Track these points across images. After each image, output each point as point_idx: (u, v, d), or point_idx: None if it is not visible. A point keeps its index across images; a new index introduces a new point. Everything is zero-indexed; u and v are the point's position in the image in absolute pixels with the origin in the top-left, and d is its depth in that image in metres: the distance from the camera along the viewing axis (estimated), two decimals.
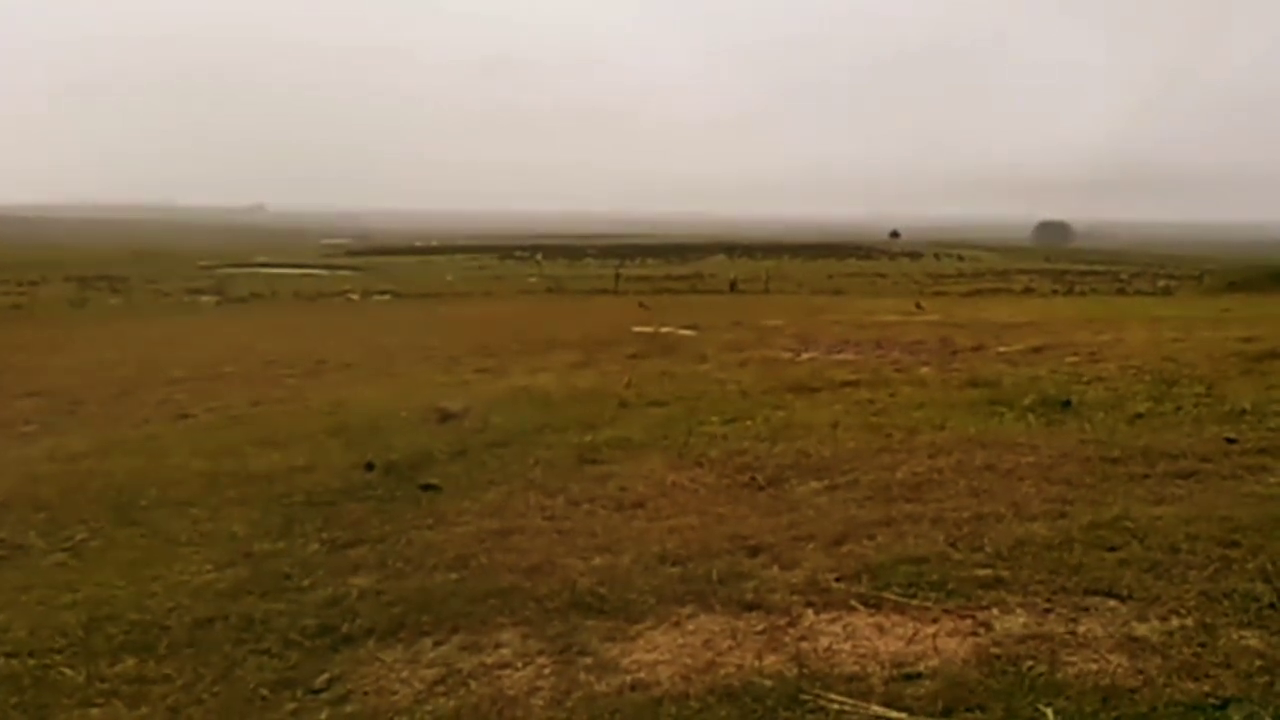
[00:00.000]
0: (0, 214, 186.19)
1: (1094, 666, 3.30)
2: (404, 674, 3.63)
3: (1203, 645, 3.40)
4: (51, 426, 9.45)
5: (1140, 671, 3.24)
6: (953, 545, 4.51)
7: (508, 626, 3.95)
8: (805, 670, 3.40)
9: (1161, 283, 48.27)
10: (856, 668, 3.41)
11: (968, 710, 3.07)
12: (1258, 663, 3.24)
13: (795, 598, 4.03)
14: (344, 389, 10.99)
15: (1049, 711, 2.99)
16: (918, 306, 22.45)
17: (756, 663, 3.49)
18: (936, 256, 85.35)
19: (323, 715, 3.34)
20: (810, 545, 4.64)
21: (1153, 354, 10.38)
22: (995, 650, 3.45)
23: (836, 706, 3.12)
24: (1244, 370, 8.97)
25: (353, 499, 5.97)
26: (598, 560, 4.63)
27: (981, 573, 4.16)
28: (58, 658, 3.89)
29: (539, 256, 79.85)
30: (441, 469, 6.56)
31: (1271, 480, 5.34)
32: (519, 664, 3.63)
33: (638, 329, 16.65)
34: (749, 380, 9.91)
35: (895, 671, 3.36)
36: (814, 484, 5.82)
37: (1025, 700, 3.08)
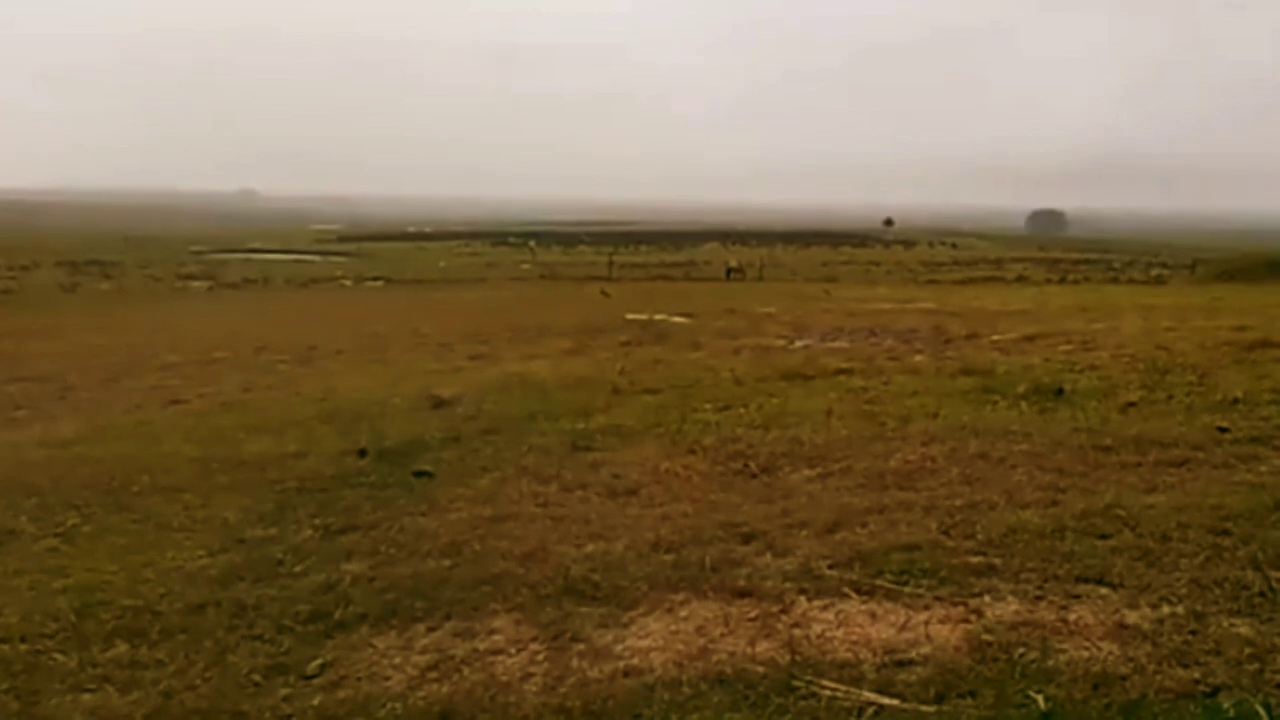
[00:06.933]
0: None
1: (1085, 654, 3.31)
2: (397, 660, 3.62)
3: (1193, 633, 3.42)
4: (42, 412, 9.40)
5: (1131, 659, 3.26)
6: (945, 533, 4.52)
7: (501, 613, 3.95)
8: (798, 657, 3.40)
9: (1154, 272, 48.41)
10: (849, 655, 3.42)
11: (959, 697, 3.08)
12: (1248, 650, 3.26)
13: (788, 585, 4.04)
14: (336, 375, 10.96)
15: (1040, 698, 3.00)
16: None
17: (749, 649, 3.50)
18: (930, 244, 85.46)
19: (315, 701, 3.34)
20: (803, 533, 4.64)
21: (1145, 343, 10.41)
22: (987, 637, 3.46)
23: (829, 693, 3.13)
24: (1236, 359, 9.01)
25: (345, 485, 5.96)
26: (591, 547, 4.63)
27: (974, 560, 4.17)
28: (49, 643, 3.87)
29: (532, 243, 79.69)
30: (434, 456, 6.55)
31: (1263, 469, 5.36)
32: (512, 650, 3.63)
33: (631, 316, 16.64)
34: (742, 368, 9.91)
35: (887, 658, 3.37)
36: (807, 471, 5.82)
37: (1016, 687, 3.10)
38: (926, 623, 3.63)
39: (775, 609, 3.83)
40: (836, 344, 12.12)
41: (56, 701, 3.43)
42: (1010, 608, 3.72)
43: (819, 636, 3.57)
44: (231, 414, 8.70)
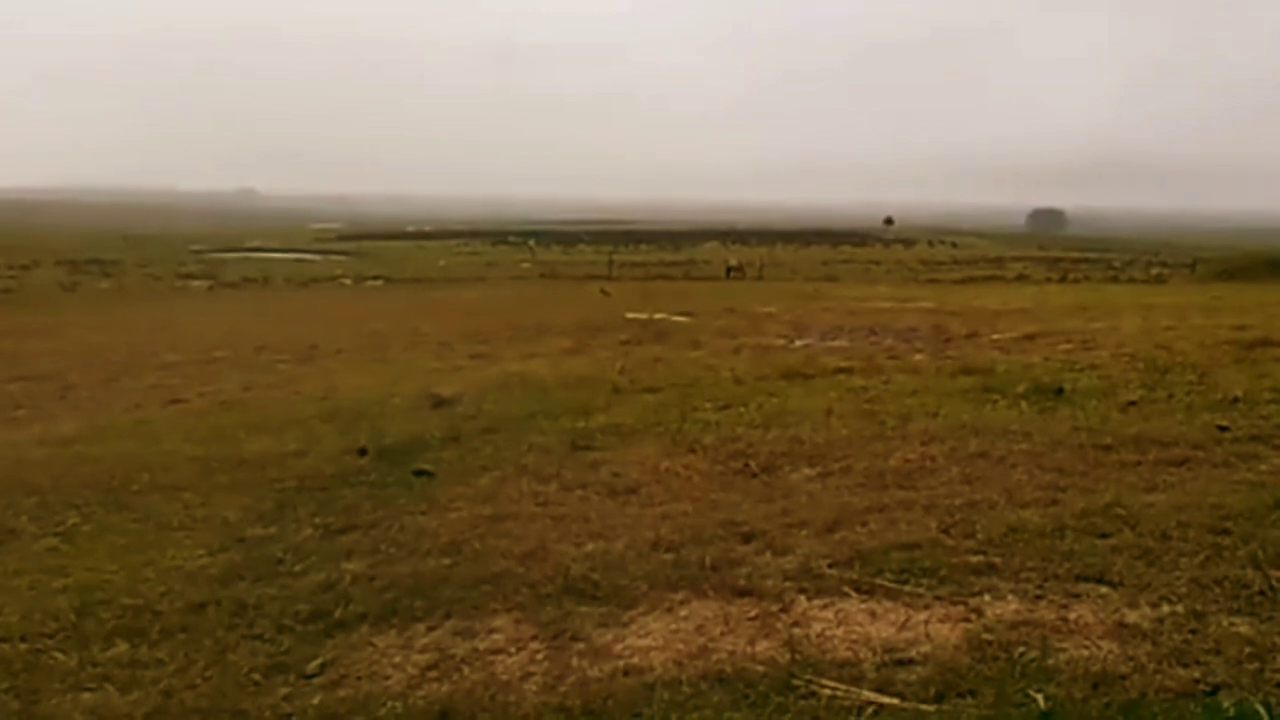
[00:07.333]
0: None
1: (1085, 653, 3.31)
2: (397, 659, 3.62)
3: (1193, 632, 3.42)
4: (42, 411, 9.40)
5: (1131, 658, 3.26)
6: (945, 532, 4.52)
7: (501, 612, 3.95)
8: (797, 656, 3.40)
9: (1154, 270, 48.40)
10: (848, 654, 3.42)
11: (959, 696, 3.08)
12: (1247, 649, 3.26)
13: (788, 584, 4.04)
14: (336, 374, 10.96)
15: (1039, 697, 3.00)
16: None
17: (749, 648, 3.50)
18: (930, 243, 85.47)
19: (315, 700, 3.34)
20: (803, 532, 4.64)
21: (1145, 342, 10.40)
22: (987, 636, 3.46)
23: (828, 692, 3.13)
24: (1236, 358, 9.00)
25: (346, 484, 5.96)
26: (591, 546, 4.63)
27: (974, 559, 4.17)
28: (49, 642, 3.87)
29: (532, 242, 79.76)
30: (434, 455, 6.55)
31: (1263, 468, 5.36)
32: (512, 649, 3.63)
33: (631, 315, 16.63)
34: (742, 367, 9.90)
35: (887, 657, 3.37)
36: (807, 471, 5.82)
37: (1016, 686, 3.09)
38: (926, 622, 3.63)
39: (775, 608, 3.83)
40: (836, 343, 12.11)
41: (56, 701, 3.43)
42: (1010, 607, 3.72)
43: (819, 635, 3.57)
44: (231, 413, 8.70)
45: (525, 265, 52.74)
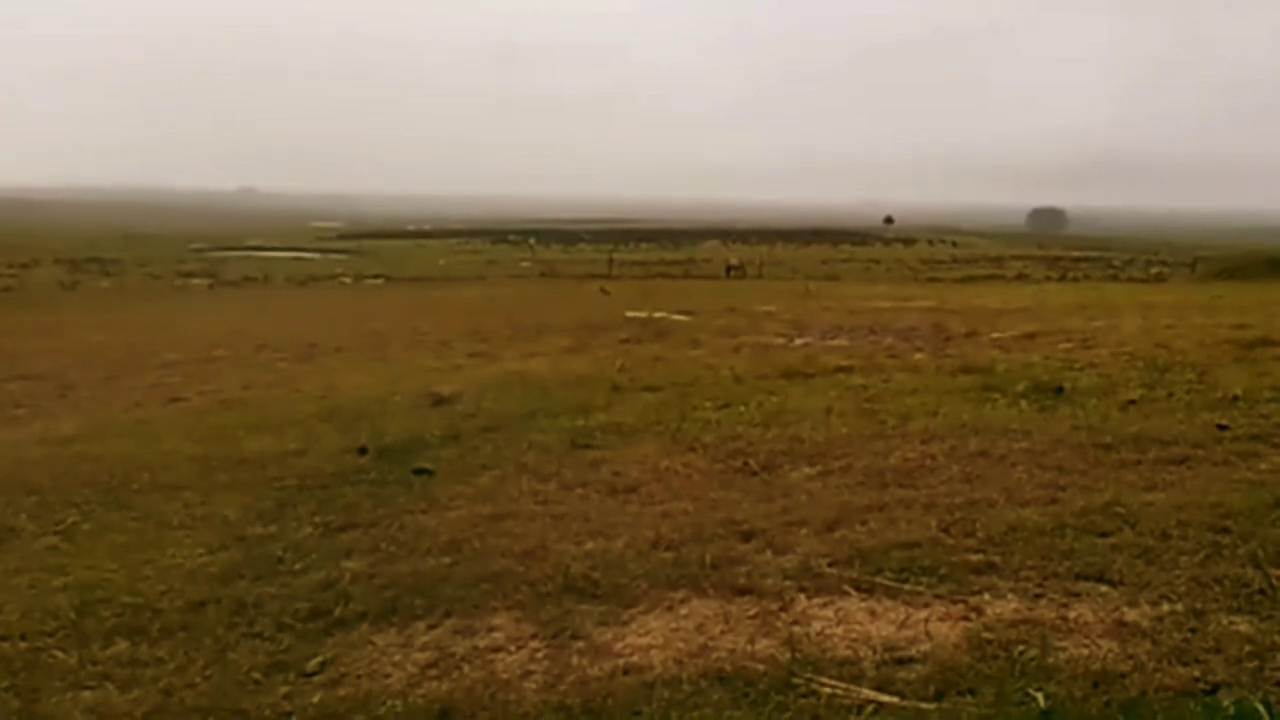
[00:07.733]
0: None
1: (1085, 651, 3.31)
2: (396, 657, 3.63)
3: (1193, 631, 3.42)
4: (42, 410, 9.41)
5: (1130, 657, 3.26)
6: (945, 531, 4.52)
7: (501, 610, 3.95)
8: (797, 654, 3.40)
9: (1154, 269, 48.42)
10: (848, 652, 3.42)
11: (959, 694, 3.08)
12: (1247, 648, 3.26)
13: (788, 582, 4.04)
14: (336, 373, 10.96)
15: (1039, 696, 3.00)
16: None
17: (749, 647, 3.50)
18: (930, 242, 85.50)
19: (315, 698, 3.34)
20: (803, 530, 4.64)
21: (1145, 341, 10.40)
22: (987, 635, 3.46)
23: (828, 690, 3.13)
24: (1236, 357, 9.00)
25: (345, 483, 5.96)
26: (591, 545, 4.63)
27: (973, 558, 4.17)
28: (49, 640, 3.88)
29: (532, 241, 79.79)
30: (434, 453, 6.55)
31: (1263, 466, 5.36)
32: (512, 648, 3.63)
33: (630, 314, 16.62)
34: (742, 366, 9.90)
35: (887, 656, 3.37)
36: (807, 469, 5.82)
37: (1016, 685, 3.09)
38: (926, 620, 3.63)
39: (775, 607, 3.83)
40: (836, 342, 12.11)
41: (56, 699, 3.43)
42: (1010, 605, 3.72)
43: (819, 634, 3.57)
44: (231, 412, 8.70)
45: (525, 264, 52.76)
